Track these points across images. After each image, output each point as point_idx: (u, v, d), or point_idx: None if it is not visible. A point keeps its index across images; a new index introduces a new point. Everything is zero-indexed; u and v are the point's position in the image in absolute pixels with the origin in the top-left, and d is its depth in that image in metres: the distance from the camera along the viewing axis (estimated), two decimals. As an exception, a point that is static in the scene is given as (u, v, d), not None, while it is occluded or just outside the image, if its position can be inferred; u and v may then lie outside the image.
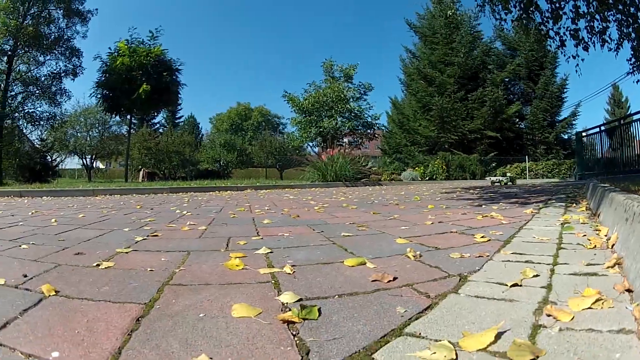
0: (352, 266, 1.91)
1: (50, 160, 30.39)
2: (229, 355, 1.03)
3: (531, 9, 8.42)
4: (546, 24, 8.83)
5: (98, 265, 2.08)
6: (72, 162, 44.46)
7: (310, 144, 33.52)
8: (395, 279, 1.65)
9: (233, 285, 1.67)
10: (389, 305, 1.35)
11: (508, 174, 21.77)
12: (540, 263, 1.88)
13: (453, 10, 27.32)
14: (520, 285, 1.53)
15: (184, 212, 5.15)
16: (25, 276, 1.87)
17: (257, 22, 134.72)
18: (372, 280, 1.64)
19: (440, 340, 1.07)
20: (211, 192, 11.30)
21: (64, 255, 2.41)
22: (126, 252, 2.44)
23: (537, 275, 1.66)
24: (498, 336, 1.08)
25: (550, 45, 10.16)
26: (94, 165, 43.91)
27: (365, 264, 1.93)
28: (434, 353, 1.00)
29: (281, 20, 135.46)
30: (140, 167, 35.21)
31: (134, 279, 1.81)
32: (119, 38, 26.43)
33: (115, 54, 26.50)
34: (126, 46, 26.44)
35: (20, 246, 2.74)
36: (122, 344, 1.12)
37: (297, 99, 31.55)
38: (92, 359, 1.04)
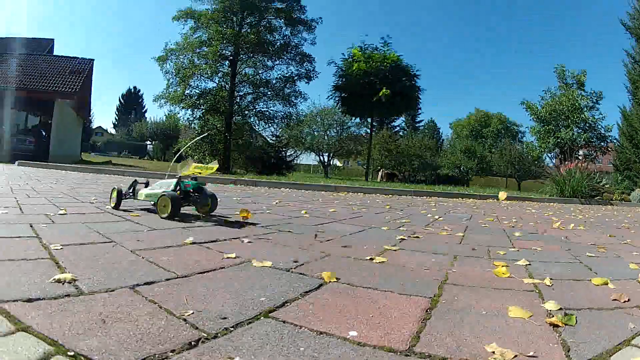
0: (598, 285, 1.98)
1: (284, 155, 32.71)
2: (512, 346, 1.17)
3: None
4: None
5: (371, 259, 2.28)
6: (308, 158, 47.62)
7: (549, 155, 31.61)
8: (629, 300, 1.72)
9: (503, 290, 1.80)
10: (623, 321, 1.44)
11: None
12: None
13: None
14: None
15: (436, 217, 5.29)
16: (296, 262, 2.11)
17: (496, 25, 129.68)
18: (612, 299, 1.73)
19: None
20: (455, 199, 11.24)
21: (329, 245, 2.70)
22: (394, 250, 2.64)
23: None
24: None
25: None
26: (331, 162, 46.34)
27: (607, 284, 1.99)
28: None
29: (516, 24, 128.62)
30: (379, 167, 36.47)
31: (412, 275, 1.99)
32: (351, 44, 27.58)
33: (350, 59, 27.79)
34: (360, 52, 27.59)
35: (279, 231, 3.17)
36: (419, 329, 1.28)
37: (535, 107, 29.94)
38: (392, 339, 1.18)
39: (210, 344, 1.10)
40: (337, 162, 51.10)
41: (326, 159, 45.08)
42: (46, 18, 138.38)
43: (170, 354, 1.04)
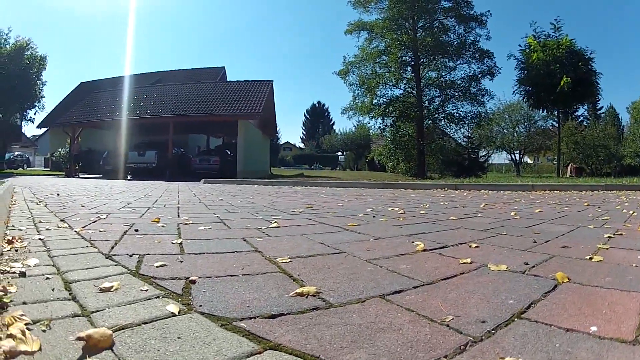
0: None
1: (477, 156, 31.98)
2: None
3: None
4: None
5: (590, 258, 2.32)
6: (500, 157, 46.01)
7: None
8: None
9: None
10: None
11: None
12: None
13: None
14: None
15: (631, 212, 5.16)
16: (527, 264, 2.19)
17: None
18: None
19: None
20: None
21: (548, 246, 2.76)
22: (606, 249, 2.64)
23: None
24: None
25: None
26: (522, 160, 44.48)
27: None
28: None
29: None
30: (568, 162, 34.23)
31: (628, 273, 2.01)
32: (524, 34, 26.32)
33: (527, 50, 26.49)
34: (535, 41, 26.19)
35: (497, 236, 3.24)
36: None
37: None
38: (622, 332, 1.26)
39: (478, 347, 1.17)
40: (527, 160, 48.73)
41: (517, 157, 43.27)
42: (216, 48, 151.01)
43: (444, 359, 1.10)
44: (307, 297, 1.61)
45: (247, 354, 1.12)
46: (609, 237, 3.11)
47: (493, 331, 1.29)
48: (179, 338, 1.22)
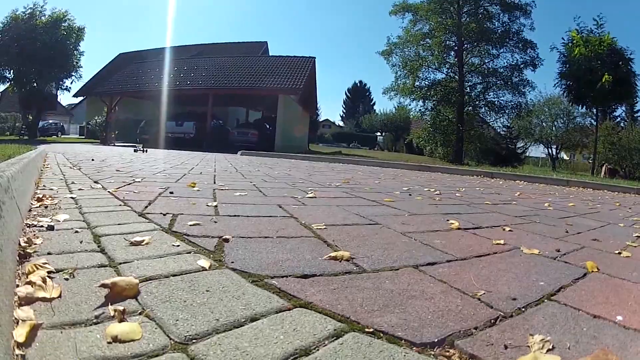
0: None
1: (515, 147, 31.55)
2: None
3: None
4: None
5: (619, 253, 2.34)
6: (537, 151, 45.32)
7: None
8: None
9: None
10: None
11: None
12: None
13: None
14: None
15: None
16: (558, 251, 2.25)
17: None
18: None
19: None
20: None
21: (580, 238, 2.80)
22: (635, 246, 2.64)
23: None
24: None
25: None
26: (559, 155, 43.79)
27: None
28: None
29: None
30: (603, 162, 33.60)
31: None
32: (567, 28, 25.72)
33: (570, 44, 25.89)
34: (578, 36, 25.58)
35: (530, 223, 3.29)
36: None
37: None
38: None
39: (509, 322, 1.21)
40: (563, 155, 47.90)
41: (554, 152, 42.59)
42: (261, 23, 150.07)
43: (474, 330, 1.13)
44: (340, 262, 1.63)
45: (276, 310, 1.15)
46: (637, 236, 3.12)
47: (523, 309, 1.33)
48: (207, 291, 1.25)
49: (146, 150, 13.81)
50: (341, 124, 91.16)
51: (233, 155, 15.77)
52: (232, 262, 1.53)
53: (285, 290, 1.29)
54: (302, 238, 2.00)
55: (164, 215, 2.35)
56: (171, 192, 3.33)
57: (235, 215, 2.49)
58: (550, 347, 1.06)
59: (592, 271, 1.87)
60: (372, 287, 1.38)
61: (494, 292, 1.47)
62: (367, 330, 1.06)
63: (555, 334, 1.15)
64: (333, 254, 1.70)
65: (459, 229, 2.65)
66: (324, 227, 2.30)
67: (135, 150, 13.42)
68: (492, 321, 1.21)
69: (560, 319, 1.26)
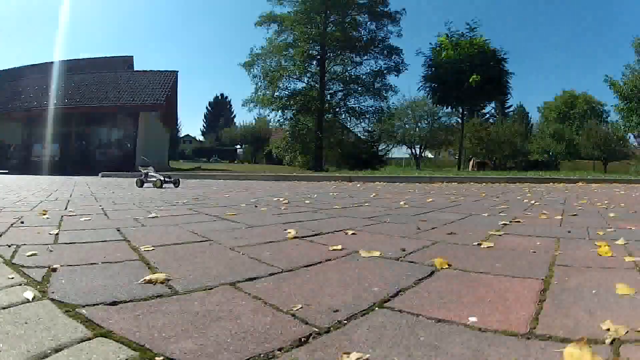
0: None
1: (376, 150, 32.73)
2: (623, 322, 1.09)
3: None
4: None
5: (479, 244, 2.22)
6: (400, 152, 47.61)
7: (633, 134, 29.59)
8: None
9: (608, 269, 1.74)
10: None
11: None
12: None
13: None
14: None
15: (532, 202, 5.32)
16: (404, 250, 2.08)
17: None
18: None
19: None
20: (546, 184, 11.25)
21: (434, 233, 2.67)
22: (499, 235, 2.59)
23: None
24: None
25: None
26: (423, 154, 46.14)
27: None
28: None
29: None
30: (471, 156, 35.83)
31: (521, 259, 1.92)
32: (437, 33, 27.33)
33: (438, 48, 27.38)
34: (447, 40, 27.13)
35: (379, 223, 3.14)
36: (536, 311, 1.22)
37: (618, 84, 27.64)
38: (512, 322, 1.13)
39: (323, 339, 1.05)
40: (428, 154, 50.62)
41: (418, 152, 44.76)
42: (125, 37, 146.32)
43: (278, 352, 0.98)
44: (154, 285, 1.54)
45: (78, 340, 1.06)
46: (504, 224, 3.09)
47: (345, 321, 1.16)
48: (25, 323, 1.18)
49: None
50: (202, 138, 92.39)
51: (94, 177, 15.54)
52: (53, 293, 1.45)
53: (92, 319, 1.20)
54: (125, 262, 1.89)
55: (9, 246, 2.23)
56: (22, 222, 3.18)
57: (71, 243, 2.37)
58: (370, 366, 0.92)
59: (442, 268, 1.71)
60: (177, 311, 1.26)
61: (314, 305, 1.30)
62: (156, 358, 0.96)
63: (381, 349, 0.97)
64: (148, 277, 1.60)
65: (295, 237, 2.46)
66: (152, 248, 2.17)
67: None
68: (303, 340, 1.04)
69: (390, 329, 1.09)
